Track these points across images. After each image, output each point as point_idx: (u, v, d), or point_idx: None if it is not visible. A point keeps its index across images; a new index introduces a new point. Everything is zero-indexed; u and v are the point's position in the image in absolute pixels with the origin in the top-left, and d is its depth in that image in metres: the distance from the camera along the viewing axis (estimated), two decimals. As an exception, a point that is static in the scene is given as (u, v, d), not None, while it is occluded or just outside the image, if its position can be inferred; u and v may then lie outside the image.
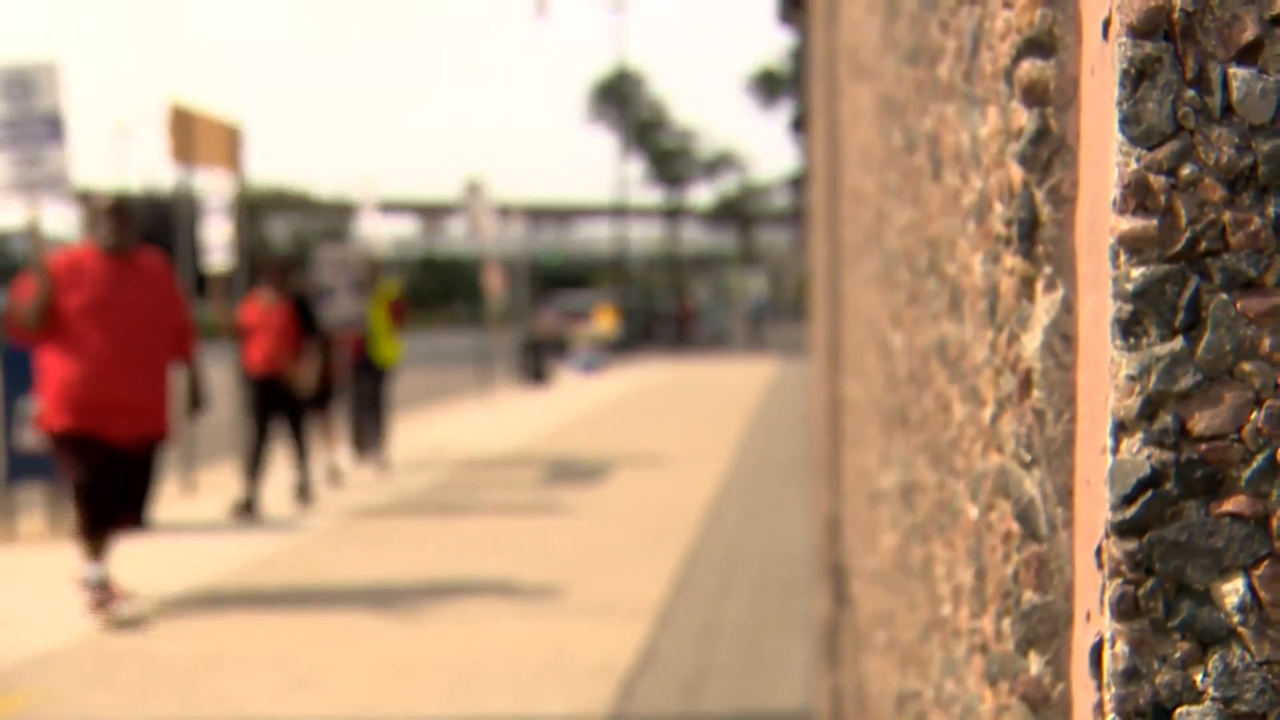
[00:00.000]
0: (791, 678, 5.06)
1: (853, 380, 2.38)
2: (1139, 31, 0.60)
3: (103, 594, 5.99)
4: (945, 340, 1.03)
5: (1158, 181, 0.61)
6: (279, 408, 9.23)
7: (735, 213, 66.58)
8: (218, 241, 9.60)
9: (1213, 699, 0.61)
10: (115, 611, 5.97)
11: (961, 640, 0.94)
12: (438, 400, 18.69)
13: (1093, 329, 0.68)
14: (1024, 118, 0.74)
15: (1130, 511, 0.61)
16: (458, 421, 15.84)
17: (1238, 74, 0.60)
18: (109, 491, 6.04)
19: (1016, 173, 0.75)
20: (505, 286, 20.03)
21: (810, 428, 9.41)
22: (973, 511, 0.89)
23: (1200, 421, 0.61)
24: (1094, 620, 0.67)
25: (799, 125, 21.51)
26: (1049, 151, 0.73)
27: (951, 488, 1.00)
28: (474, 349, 22.07)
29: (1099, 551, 0.66)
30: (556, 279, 55.74)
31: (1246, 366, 0.60)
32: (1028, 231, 0.74)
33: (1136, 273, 0.61)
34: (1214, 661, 0.61)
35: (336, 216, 59.87)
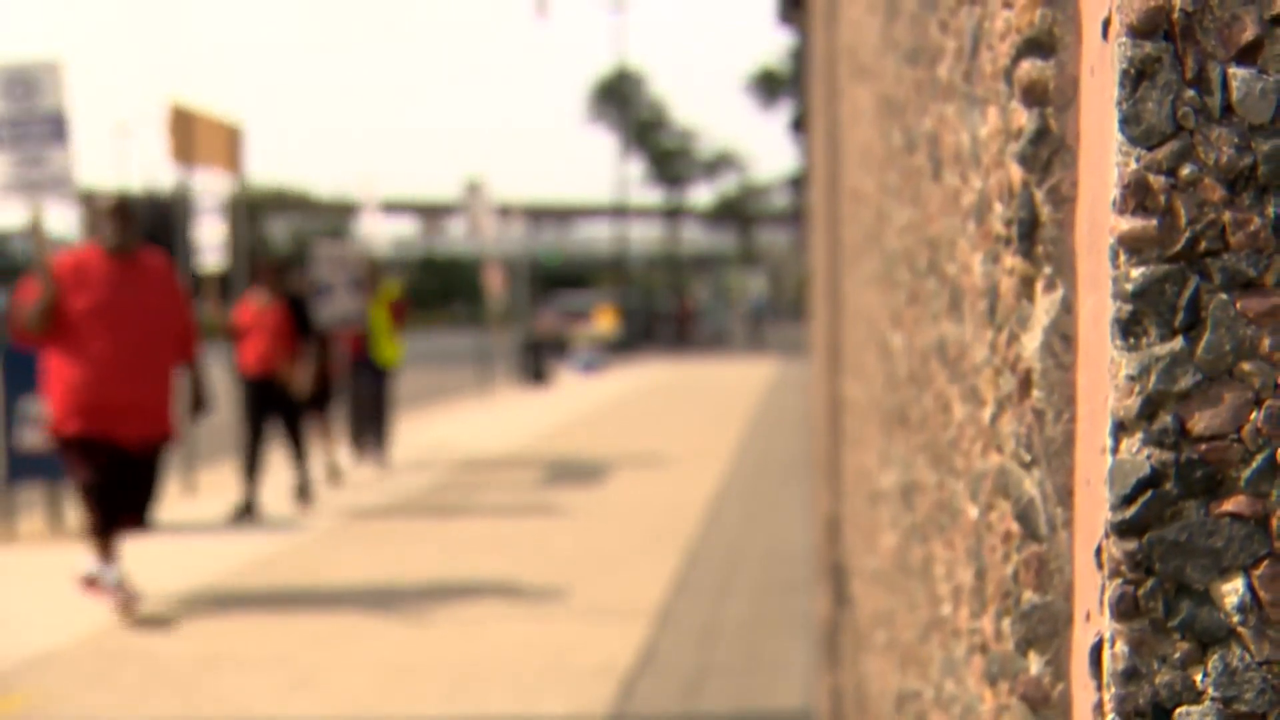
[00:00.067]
0: (791, 678, 5.06)
1: (853, 380, 2.38)
2: (1139, 31, 0.60)
3: (123, 594, 5.99)
4: (945, 340, 1.03)
5: (1157, 181, 0.61)
6: (273, 408, 9.22)
7: (735, 213, 66.58)
8: (211, 241, 9.59)
9: (1212, 699, 0.61)
10: (138, 611, 5.97)
11: (961, 640, 0.94)
12: (438, 400, 18.69)
13: (1092, 329, 0.68)
14: (1024, 118, 0.74)
15: (1130, 511, 0.61)
16: (458, 421, 15.84)
17: (1237, 74, 0.60)
18: (116, 493, 6.04)
19: (1016, 173, 0.75)
20: (505, 286, 20.03)
21: (810, 428, 9.41)
22: (972, 511, 0.89)
23: (1200, 421, 0.61)
24: (1094, 620, 0.67)
25: (799, 125, 21.52)
26: (1049, 151, 0.73)
27: (951, 488, 1.00)
28: (474, 349, 22.07)
29: (1099, 551, 0.66)
30: (556, 279, 55.74)
31: (1246, 366, 0.60)
32: (1028, 231, 0.74)
33: (1136, 273, 0.61)
34: (1214, 661, 0.61)
35: (336, 216, 59.86)
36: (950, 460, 1.01)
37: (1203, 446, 0.61)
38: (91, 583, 6.18)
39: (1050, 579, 0.73)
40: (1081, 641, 0.70)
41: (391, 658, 5.36)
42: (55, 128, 6.17)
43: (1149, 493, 0.61)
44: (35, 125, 6.14)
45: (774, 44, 74.07)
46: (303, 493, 9.34)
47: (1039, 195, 0.74)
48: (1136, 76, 0.61)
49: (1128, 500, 0.61)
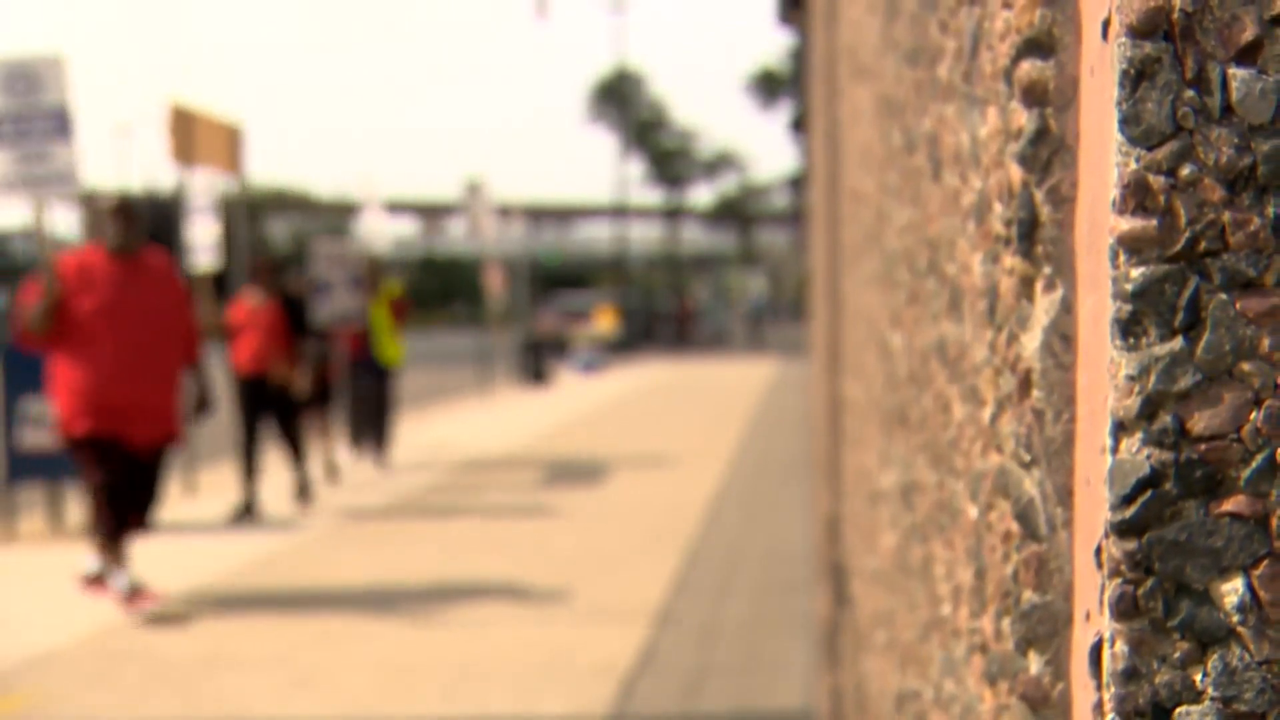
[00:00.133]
0: (791, 678, 5.06)
1: (853, 380, 2.38)
2: (1138, 32, 0.60)
3: (140, 597, 5.99)
4: (945, 340, 1.03)
5: (1157, 182, 0.61)
6: (267, 407, 9.20)
7: (735, 213, 66.59)
8: (205, 241, 9.57)
9: (1212, 699, 0.61)
10: (153, 611, 5.96)
11: (961, 640, 0.94)
12: (438, 400, 18.69)
13: (1092, 329, 0.68)
14: (1024, 118, 0.74)
15: (1130, 511, 0.61)
16: (458, 421, 15.84)
17: (1237, 74, 0.60)
18: (126, 494, 6.03)
19: (1016, 173, 0.75)
20: (505, 286, 20.03)
21: (810, 428, 9.41)
22: (972, 511, 0.89)
23: (1200, 421, 0.61)
24: (1093, 620, 0.67)
25: (799, 125, 21.52)
26: (1048, 152, 0.73)
27: (951, 488, 1.00)
28: (474, 349, 22.07)
29: (1098, 551, 0.66)
30: (556, 279, 55.73)
31: (1246, 366, 0.60)
32: (1027, 231, 0.74)
33: (1136, 273, 0.61)
34: (1213, 661, 0.61)
35: (337, 216, 59.85)
36: (950, 460, 1.01)
37: (1202, 446, 0.61)
38: (92, 582, 6.18)
39: (1050, 579, 0.73)
40: (1081, 641, 0.70)
41: (391, 658, 5.36)
42: (59, 123, 6.12)
43: (1149, 493, 0.61)
44: (39, 121, 6.08)
45: (774, 44, 74.12)
46: (303, 492, 9.34)
47: (1039, 195, 0.74)
48: (1136, 77, 0.61)
49: (1127, 500, 0.61)
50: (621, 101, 52.69)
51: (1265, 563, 0.60)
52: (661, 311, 42.86)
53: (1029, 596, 0.75)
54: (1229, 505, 0.60)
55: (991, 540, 0.83)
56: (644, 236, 63.90)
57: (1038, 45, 0.73)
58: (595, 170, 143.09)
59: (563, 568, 7.06)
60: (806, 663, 5.20)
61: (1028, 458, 0.75)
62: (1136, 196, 0.61)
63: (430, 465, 11.64)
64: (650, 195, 63.28)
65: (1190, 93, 0.60)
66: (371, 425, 11.37)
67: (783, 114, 54.25)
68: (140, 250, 6.18)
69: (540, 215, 70.96)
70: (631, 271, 48.07)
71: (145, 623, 5.89)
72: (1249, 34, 0.60)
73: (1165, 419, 0.61)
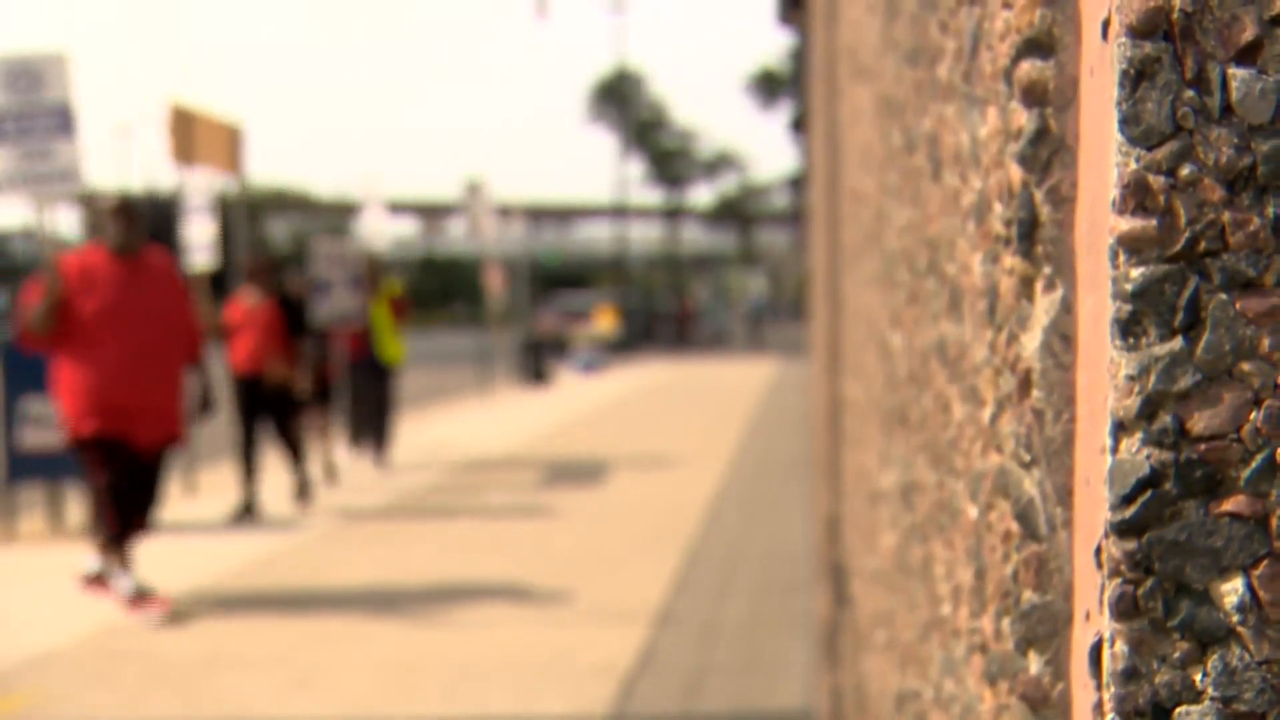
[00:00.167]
0: (791, 678, 5.06)
1: (853, 380, 2.38)
2: (1138, 32, 0.60)
3: (141, 599, 5.98)
4: (945, 340, 1.03)
5: (1157, 182, 0.61)
6: (264, 407, 9.18)
7: (735, 213, 66.59)
8: (200, 241, 9.56)
9: (1212, 698, 0.61)
10: (162, 618, 5.95)
11: (961, 640, 0.94)
12: (438, 400, 18.69)
13: (1092, 329, 0.68)
14: (1023, 118, 0.74)
15: (1129, 511, 0.61)
16: (458, 421, 15.84)
17: (1237, 74, 0.60)
18: (129, 495, 6.03)
19: (1016, 173, 0.75)
20: (505, 286, 20.03)
21: (810, 428, 9.42)
22: (972, 511, 0.89)
23: (1199, 421, 0.61)
24: (1093, 620, 0.67)
25: (799, 125, 21.52)
26: (1048, 152, 0.73)
27: (951, 487, 1.00)
28: (474, 349, 22.07)
29: (1098, 551, 0.66)
30: (556, 279, 55.73)
31: (1246, 366, 0.60)
32: (1027, 231, 0.74)
33: (1136, 273, 0.61)
34: (1213, 661, 0.61)
35: (337, 216, 59.87)
36: (950, 460, 1.01)
37: (1202, 446, 0.61)
38: (93, 581, 6.17)
39: (1050, 579, 0.73)
40: (1081, 641, 0.70)
41: (391, 658, 5.36)
42: (62, 120, 6.07)
43: (1149, 492, 0.61)
44: (41, 118, 6.04)
45: (774, 44, 74.11)
46: (303, 492, 9.33)
47: (1039, 195, 0.74)
48: (1136, 77, 0.61)
49: (1127, 500, 0.61)
50: (621, 101, 52.70)
51: (1265, 563, 0.60)
52: (661, 311, 42.87)
53: (1029, 596, 0.75)
54: (1229, 505, 0.60)
55: (991, 540, 0.83)
56: (644, 236, 63.90)
57: (1038, 45, 0.73)
58: (595, 170, 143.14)
59: (563, 568, 7.06)
60: (806, 663, 5.20)
61: (1028, 458, 0.75)
62: (1136, 196, 0.61)
63: (430, 465, 11.64)
64: (650, 195, 63.33)
65: (1190, 93, 0.60)
66: (371, 425, 11.37)
67: (783, 114, 54.28)
68: (141, 250, 6.17)
69: (540, 215, 70.97)
70: (631, 271, 48.08)
71: (153, 627, 5.88)
72: (1249, 34, 0.60)
73: (1165, 419, 0.61)
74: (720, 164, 62.71)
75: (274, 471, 10.23)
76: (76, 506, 8.65)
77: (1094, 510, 0.67)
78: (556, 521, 8.64)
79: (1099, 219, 0.66)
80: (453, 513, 9.06)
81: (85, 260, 6.06)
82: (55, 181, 6.04)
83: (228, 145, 9.79)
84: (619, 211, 44.73)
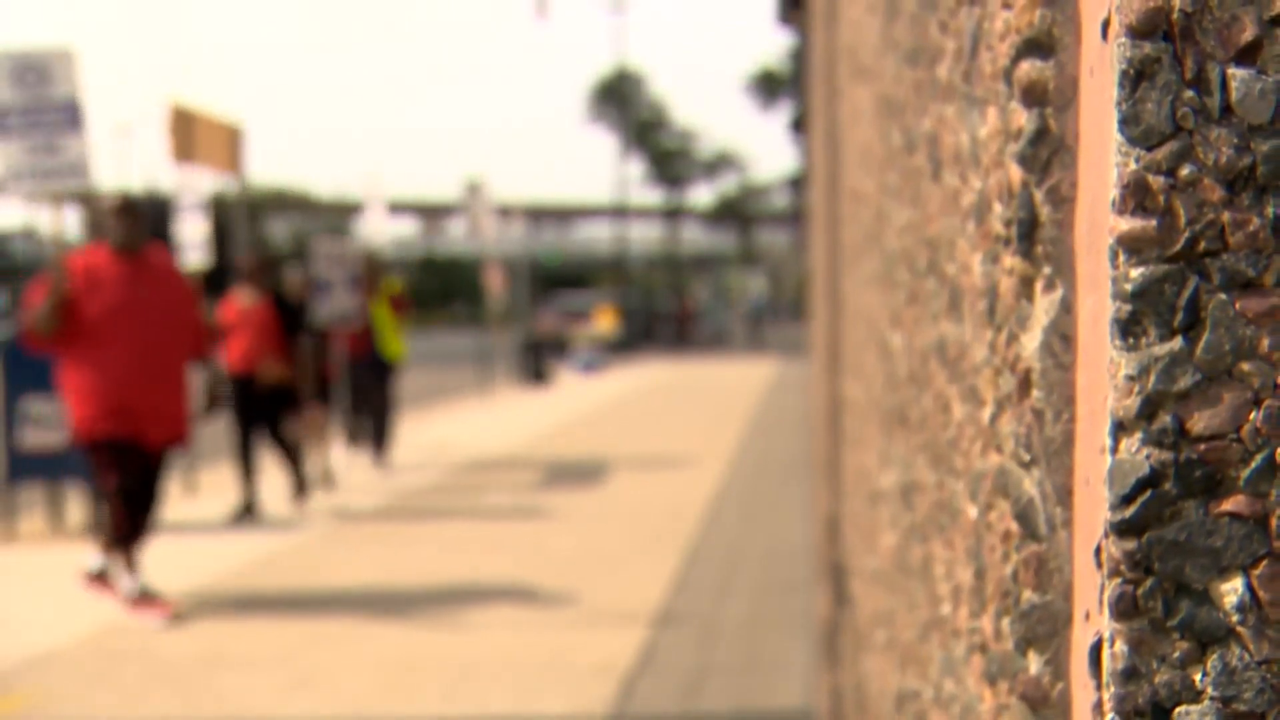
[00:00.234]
0: (791, 677, 5.06)
1: (853, 380, 2.38)
2: (1138, 32, 0.60)
3: (145, 601, 5.98)
4: (945, 340, 1.03)
5: (1157, 182, 0.61)
6: (258, 407, 9.16)
7: (735, 213, 66.59)
8: (193, 239, 9.54)
9: (1211, 698, 0.61)
10: (163, 619, 5.94)
11: (961, 640, 0.94)
12: (438, 400, 18.69)
13: (1092, 329, 0.68)
14: (1023, 118, 0.74)
15: (1129, 511, 0.61)
16: (458, 421, 15.84)
17: (1236, 74, 0.60)
18: (139, 496, 6.02)
19: (1016, 173, 0.75)
20: (505, 286, 20.03)
21: (810, 428, 9.42)
22: (972, 511, 0.90)
23: (1199, 421, 0.61)
24: (1093, 620, 0.67)
25: (799, 125, 21.52)
26: (1048, 152, 0.73)
27: (951, 487, 1.00)
28: (474, 349, 22.07)
29: (1098, 551, 0.66)
30: (556, 279, 55.72)
31: (1245, 366, 0.60)
32: (1027, 232, 0.74)
33: (1135, 273, 0.61)
34: (1213, 661, 0.61)
35: (337, 216, 59.86)
36: (950, 460, 1.01)
37: (1202, 446, 0.61)
38: (95, 579, 6.16)
39: (1050, 578, 0.74)
40: (1081, 641, 0.70)
41: (391, 658, 5.36)
42: (70, 115, 6.03)
43: (1148, 492, 0.61)
44: (49, 113, 6.00)
45: (774, 44, 74.11)
46: (300, 490, 9.32)
47: (1038, 195, 0.74)
48: (1136, 77, 0.61)
49: (1127, 500, 0.61)
50: (621, 101, 52.71)
51: (1265, 563, 0.60)
52: (661, 311, 42.86)
53: (1029, 596, 0.75)
54: (1228, 505, 0.60)
55: (991, 540, 0.83)
56: (644, 236, 63.91)
57: (1037, 45, 0.73)
58: (595, 170, 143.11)
59: (563, 568, 7.06)
60: (806, 663, 5.20)
61: (1027, 458, 0.75)
62: (1136, 196, 0.61)
63: (430, 465, 11.64)
64: (650, 195, 63.33)
65: (1190, 93, 0.60)
66: (371, 425, 11.36)
67: (783, 114, 54.29)
68: (144, 248, 6.17)
69: (540, 215, 70.98)
70: (631, 271, 48.08)
71: (158, 630, 5.87)
72: (1248, 34, 0.60)
73: (1165, 419, 0.61)
74: (720, 164, 62.73)
75: (273, 472, 10.23)
76: (77, 506, 8.65)
77: (1094, 510, 0.67)
78: (557, 521, 8.64)
79: (1099, 219, 0.66)
80: (453, 513, 9.06)
81: (88, 260, 6.04)
82: (63, 176, 6.01)
83: (228, 145, 9.79)
84: (619, 211, 44.74)
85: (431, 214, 73.12)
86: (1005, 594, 0.78)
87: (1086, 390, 0.70)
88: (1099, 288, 0.66)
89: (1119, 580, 0.62)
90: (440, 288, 64.23)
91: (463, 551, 7.61)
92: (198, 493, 9.75)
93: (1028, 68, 0.74)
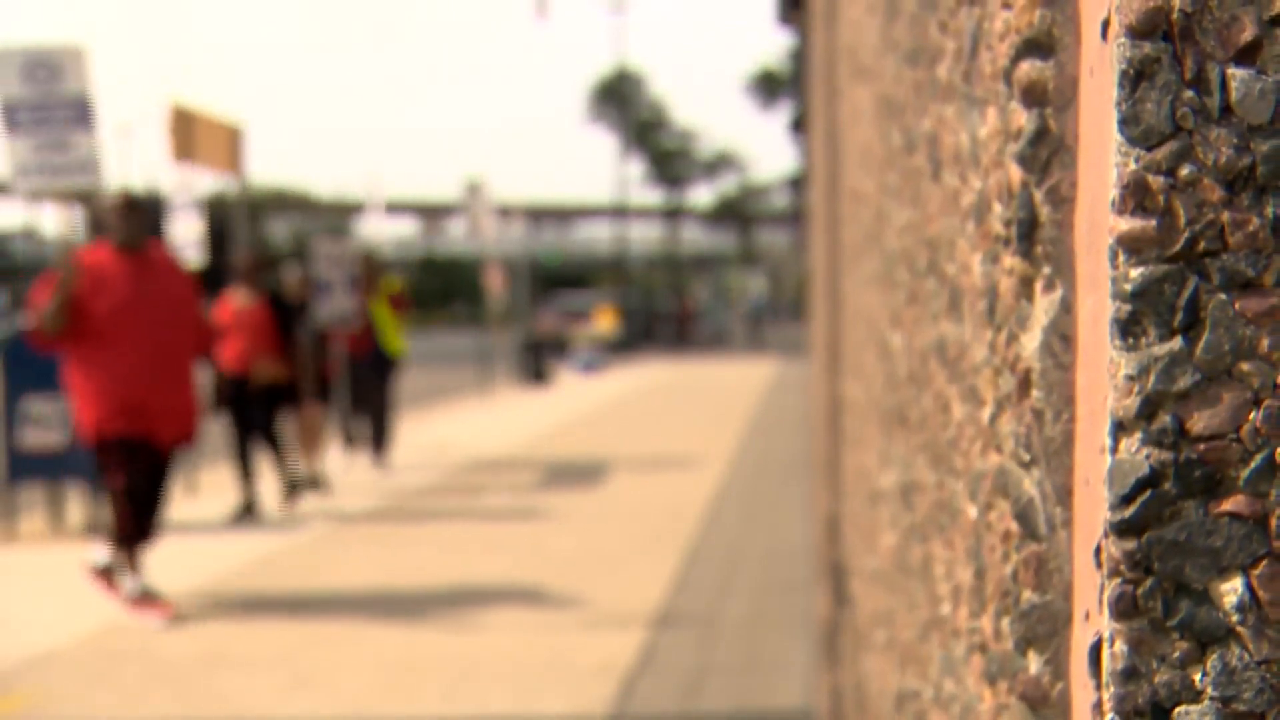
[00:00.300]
0: (791, 677, 5.06)
1: (852, 380, 2.38)
2: (1138, 32, 0.61)
3: (147, 601, 5.97)
4: (944, 340, 1.03)
5: (1156, 182, 0.61)
6: (253, 407, 9.15)
7: (735, 213, 66.58)
8: (188, 238, 9.53)
9: (1211, 698, 0.61)
10: (164, 620, 5.93)
11: (961, 640, 0.94)
12: (438, 400, 18.69)
13: (1091, 329, 0.68)
14: (1023, 118, 0.74)
15: (1129, 511, 0.61)
16: (458, 422, 15.84)
17: (1236, 74, 0.60)
18: (146, 496, 6.01)
19: (1015, 173, 0.75)
20: (505, 286, 20.02)
21: (810, 428, 9.41)
22: (972, 511, 0.90)
23: (1199, 421, 0.61)
24: (1093, 620, 0.67)
25: (799, 125, 21.52)
26: (1048, 152, 0.73)
27: (951, 487, 1.00)
28: (474, 349, 22.07)
29: (1098, 551, 0.66)
30: (556, 279, 55.71)
31: (1245, 366, 0.60)
32: (1027, 232, 0.74)
33: (1135, 273, 0.61)
34: (1213, 661, 0.61)
35: (337, 216, 59.86)
36: (950, 460, 1.01)
37: (1201, 446, 0.61)
38: (101, 574, 6.14)
39: (1049, 578, 0.74)
40: (1081, 641, 0.70)
41: (391, 658, 5.36)
42: (80, 112, 5.99)
43: (1148, 492, 0.61)
44: (59, 110, 5.95)
45: (774, 44, 74.09)
46: (292, 490, 9.31)
47: (1038, 195, 0.74)
48: (1135, 77, 0.61)
49: (1127, 500, 0.61)
50: (621, 101, 52.72)
51: (1264, 562, 0.60)
52: (661, 311, 42.86)
53: (1028, 596, 0.75)
54: (1228, 505, 0.60)
55: (991, 540, 0.83)
56: (644, 236, 63.90)
57: (1037, 45, 0.73)
58: (595, 170, 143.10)
59: (563, 568, 7.06)
60: (806, 662, 5.20)
61: (1027, 458, 0.75)
62: (1136, 197, 0.61)
63: (430, 466, 11.64)
64: (650, 195, 63.32)
65: (1189, 93, 0.60)
66: (369, 426, 11.36)
67: (783, 114, 54.27)
68: (146, 245, 6.17)
69: (540, 215, 71.00)
70: (631, 271, 48.08)
71: (158, 630, 5.87)
72: (1248, 34, 0.60)
73: (1164, 419, 0.61)
74: (720, 164, 62.71)
75: (273, 471, 10.23)
76: (77, 506, 8.65)
77: (1093, 510, 0.67)
78: (557, 522, 8.64)
79: (1099, 219, 0.66)
80: (453, 513, 9.06)
81: (92, 259, 6.03)
82: (73, 174, 5.98)
83: (228, 145, 9.79)
84: (619, 211, 44.74)
85: (431, 214, 73.13)
86: (1005, 594, 0.78)
87: (1086, 390, 0.70)
88: (1099, 288, 0.66)
89: (1119, 580, 0.62)
90: (440, 288, 64.23)
91: (463, 552, 7.61)
92: (198, 493, 9.75)
93: (1027, 68, 0.74)
